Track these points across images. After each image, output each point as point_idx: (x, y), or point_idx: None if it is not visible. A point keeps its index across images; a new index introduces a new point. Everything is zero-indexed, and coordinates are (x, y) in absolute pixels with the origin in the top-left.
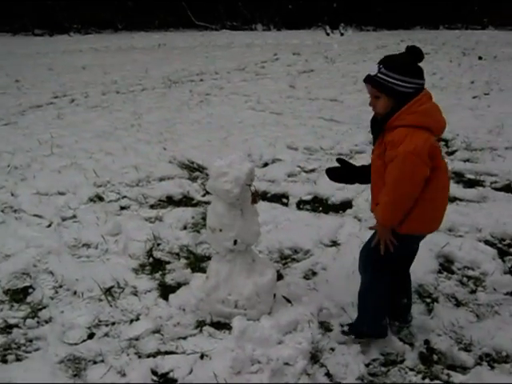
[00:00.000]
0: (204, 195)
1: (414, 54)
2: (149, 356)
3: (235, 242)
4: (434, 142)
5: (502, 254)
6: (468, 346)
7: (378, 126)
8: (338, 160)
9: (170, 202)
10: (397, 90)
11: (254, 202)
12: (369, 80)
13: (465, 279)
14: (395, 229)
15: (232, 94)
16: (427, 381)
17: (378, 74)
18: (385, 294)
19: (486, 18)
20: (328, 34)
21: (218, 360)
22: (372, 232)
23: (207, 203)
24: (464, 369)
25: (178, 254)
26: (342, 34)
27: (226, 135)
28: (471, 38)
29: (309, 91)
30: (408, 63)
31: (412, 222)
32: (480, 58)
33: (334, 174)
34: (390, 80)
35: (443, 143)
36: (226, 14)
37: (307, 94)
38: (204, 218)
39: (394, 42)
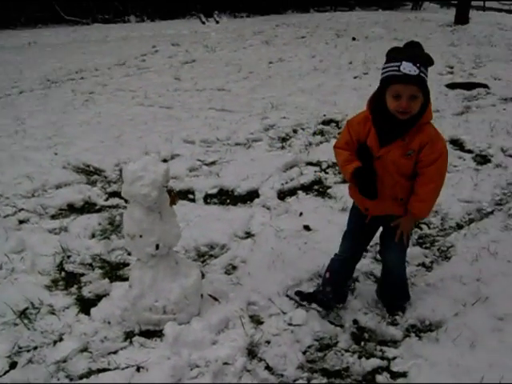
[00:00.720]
0: (107, 199)
1: (420, 47)
2: (81, 377)
3: (157, 247)
4: None
5: None
6: (394, 320)
7: (404, 127)
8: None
9: (71, 209)
10: (428, 89)
11: (173, 203)
12: (415, 81)
13: (378, 256)
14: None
15: (117, 90)
16: (363, 359)
17: (421, 74)
18: None
19: (353, 0)
20: (204, 23)
21: (156, 370)
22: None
23: (112, 207)
24: (395, 342)
25: (91, 265)
26: (217, 22)
27: (119, 134)
28: (341, 19)
29: (195, 82)
30: (432, 59)
31: None
32: (354, 38)
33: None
34: (426, 77)
35: (334, 124)
36: (96, 8)
37: (194, 85)
38: (112, 223)
39: (270, 26)
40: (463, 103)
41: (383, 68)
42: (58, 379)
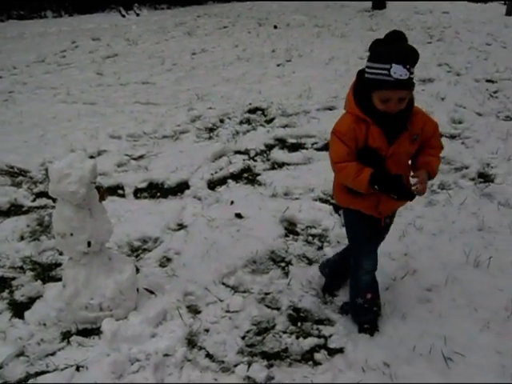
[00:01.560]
0: (34, 200)
1: (403, 37)
2: (19, 382)
3: (89, 244)
4: None
5: (337, 208)
6: (329, 300)
7: (405, 118)
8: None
9: None
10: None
11: (103, 198)
12: (406, 86)
13: (310, 238)
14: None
15: (38, 88)
16: (301, 339)
17: (411, 76)
18: None
19: None
20: (124, 16)
21: (96, 368)
22: None
23: (40, 208)
24: (330, 321)
25: (22, 268)
26: (137, 15)
27: (43, 133)
28: (262, 8)
29: (118, 77)
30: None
31: None
32: (275, 26)
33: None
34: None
35: (260, 112)
36: (10, 3)
37: (117, 79)
38: (41, 224)
39: (192, 17)
40: None
41: (369, 67)
42: None
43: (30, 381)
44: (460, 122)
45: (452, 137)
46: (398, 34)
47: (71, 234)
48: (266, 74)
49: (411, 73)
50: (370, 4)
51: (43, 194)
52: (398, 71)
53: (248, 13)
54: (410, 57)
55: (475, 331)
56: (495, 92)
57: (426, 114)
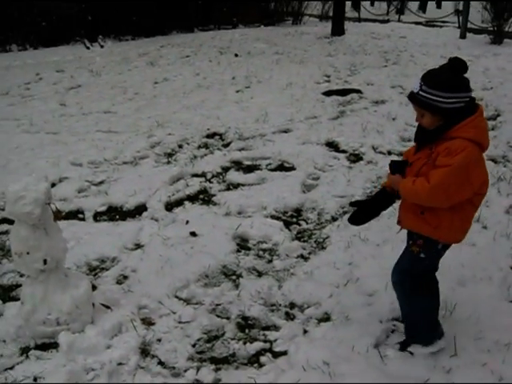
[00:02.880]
0: None
1: (456, 66)
2: None
3: (45, 262)
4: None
5: (287, 224)
6: (275, 307)
7: (430, 136)
8: (352, 204)
9: None
10: (442, 107)
11: (57, 218)
12: (411, 98)
13: (261, 252)
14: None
15: (1, 120)
16: (248, 345)
17: (420, 92)
18: None
19: (235, 18)
20: (88, 48)
21: (52, 378)
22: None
23: (1, 233)
24: (276, 327)
25: None
26: (102, 46)
27: (5, 162)
28: (225, 37)
29: (81, 106)
30: (450, 77)
31: (444, 229)
32: (236, 55)
33: (357, 220)
34: (433, 98)
35: (218, 137)
36: None
37: (80, 109)
38: (2, 249)
39: (155, 48)
40: (338, 108)
41: None
42: None
43: None
44: (409, 140)
45: (401, 154)
46: (453, 60)
47: (27, 253)
48: (224, 100)
49: (422, 89)
50: (329, 31)
51: (4, 221)
52: (415, 84)
53: (210, 42)
54: (427, 75)
55: None
56: None
57: (460, 153)
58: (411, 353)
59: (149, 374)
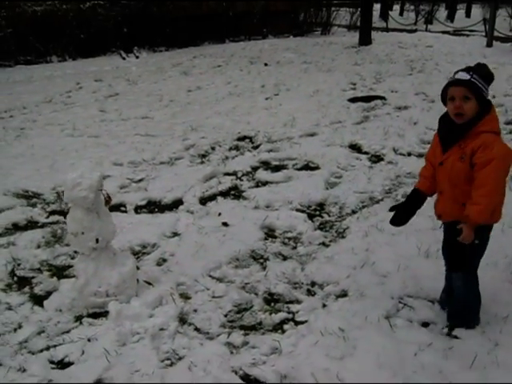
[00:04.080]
0: (48, 217)
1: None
2: (41, 351)
3: (97, 241)
4: None
5: (311, 216)
6: (298, 285)
7: (460, 132)
8: (391, 209)
9: (16, 228)
10: (484, 96)
11: (108, 203)
12: (462, 82)
13: (286, 240)
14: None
15: (47, 125)
16: (273, 315)
17: (472, 79)
18: None
19: (265, 29)
20: (124, 59)
21: (104, 338)
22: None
23: (53, 223)
24: (298, 301)
25: (39, 269)
26: (137, 57)
27: (52, 162)
28: (255, 47)
29: (120, 113)
30: (491, 73)
31: (497, 212)
32: (266, 64)
33: (398, 221)
34: (481, 86)
35: (248, 140)
36: (17, 50)
37: (119, 115)
38: (54, 236)
39: (188, 58)
40: (362, 114)
41: None
42: (22, 354)
43: (51, 350)
44: (429, 143)
45: (420, 155)
46: (479, 64)
47: (82, 233)
48: (254, 107)
49: (473, 77)
50: (357, 40)
51: (55, 212)
52: (460, 74)
53: (241, 52)
54: (475, 69)
55: None
56: None
57: (494, 144)
58: (457, 337)
59: (186, 338)
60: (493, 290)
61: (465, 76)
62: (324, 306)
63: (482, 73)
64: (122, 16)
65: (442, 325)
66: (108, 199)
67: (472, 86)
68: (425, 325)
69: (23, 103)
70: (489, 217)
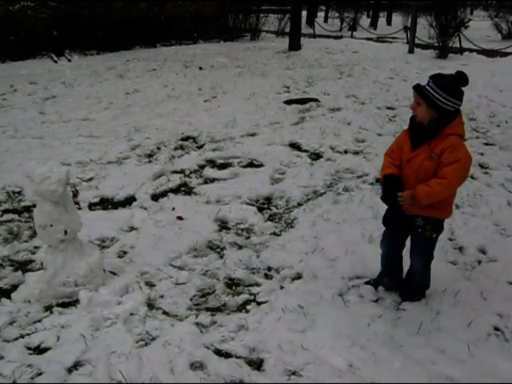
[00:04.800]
0: (2, 215)
1: (461, 79)
2: (16, 339)
3: (65, 233)
4: None
5: (260, 209)
6: (256, 270)
7: (429, 133)
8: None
9: None
10: (439, 105)
11: (75, 196)
12: (416, 88)
13: (239, 231)
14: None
15: None
16: (236, 297)
17: (426, 86)
18: None
19: (196, 34)
20: (56, 62)
21: (78, 324)
22: None
23: (8, 221)
24: (257, 284)
25: (1, 265)
26: (69, 60)
27: None
28: (187, 52)
29: (60, 115)
30: (454, 85)
31: (448, 209)
32: (200, 68)
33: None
34: (436, 95)
35: (192, 140)
36: None
37: (59, 117)
38: (11, 233)
39: (121, 62)
40: (298, 115)
41: None
42: None
43: (26, 337)
44: (363, 141)
45: (355, 153)
46: (462, 74)
47: (51, 225)
48: (194, 109)
49: (429, 85)
50: (287, 46)
51: (9, 211)
52: (422, 81)
53: (174, 56)
54: (437, 76)
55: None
56: (393, 116)
57: (460, 147)
58: (404, 309)
59: (157, 320)
60: (432, 268)
61: (424, 81)
62: (282, 287)
63: (440, 82)
64: (52, 18)
65: (389, 300)
66: (76, 192)
67: (421, 92)
68: (374, 301)
69: None
70: (430, 202)
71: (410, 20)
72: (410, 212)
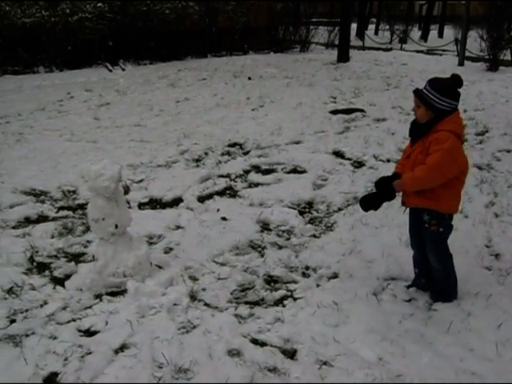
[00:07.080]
0: (57, 212)
1: (455, 80)
2: (68, 322)
3: (116, 226)
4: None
5: (301, 213)
6: (294, 269)
7: (422, 130)
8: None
9: (28, 221)
10: (435, 106)
11: (126, 193)
12: (415, 91)
13: (280, 232)
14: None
15: (44, 130)
16: (273, 292)
17: (423, 90)
18: None
19: (246, 45)
20: (111, 71)
21: (125, 311)
22: None
23: (63, 217)
24: (295, 282)
25: (56, 256)
26: (123, 69)
27: (55, 164)
28: (237, 62)
29: (113, 120)
30: (449, 87)
31: (454, 204)
32: (249, 78)
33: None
34: (432, 97)
35: (238, 146)
36: (6, 60)
37: (112, 123)
38: (66, 228)
39: (173, 71)
40: (343, 124)
41: None
42: (51, 325)
43: (77, 321)
44: None
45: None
46: (453, 75)
47: (103, 219)
48: (242, 117)
49: (426, 89)
50: (336, 58)
51: (64, 208)
52: (422, 85)
53: (224, 67)
54: (433, 80)
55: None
56: None
57: (446, 140)
58: (435, 309)
59: (198, 311)
60: (465, 272)
61: (422, 86)
62: (318, 285)
63: (435, 85)
64: (108, 30)
65: (422, 301)
66: (127, 189)
67: (420, 95)
68: (407, 300)
69: (17, 110)
70: (415, 187)
71: (460, 32)
72: (409, 204)
